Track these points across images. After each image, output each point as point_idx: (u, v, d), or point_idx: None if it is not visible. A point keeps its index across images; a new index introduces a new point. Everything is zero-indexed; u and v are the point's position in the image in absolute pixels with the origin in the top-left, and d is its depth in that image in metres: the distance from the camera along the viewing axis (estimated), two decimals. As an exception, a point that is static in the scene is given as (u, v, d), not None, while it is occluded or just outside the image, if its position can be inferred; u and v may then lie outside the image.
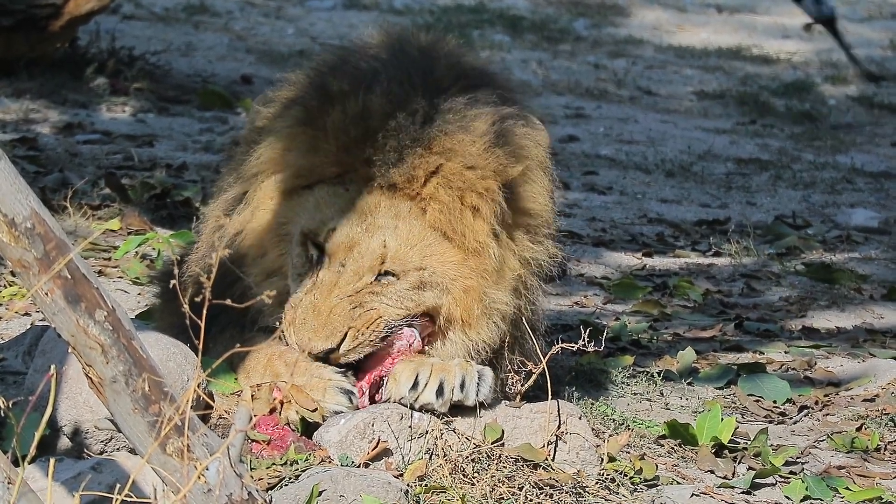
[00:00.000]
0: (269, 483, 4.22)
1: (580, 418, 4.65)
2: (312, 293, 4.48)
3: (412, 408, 4.47)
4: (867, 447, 5.18)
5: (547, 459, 4.52)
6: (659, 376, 5.65)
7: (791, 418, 5.48)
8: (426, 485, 4.33)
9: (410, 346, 4.55)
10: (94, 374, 3.42)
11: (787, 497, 4.76)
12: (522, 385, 4.65)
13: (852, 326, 6.73)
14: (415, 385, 4.46)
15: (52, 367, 4.00)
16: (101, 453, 4.23)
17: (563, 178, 8.09)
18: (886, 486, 4.88)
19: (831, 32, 13.63)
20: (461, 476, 4.38)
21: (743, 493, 4.76)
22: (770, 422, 5.43)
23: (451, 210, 4.50)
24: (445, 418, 4.50)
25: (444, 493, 4.31)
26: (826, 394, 5.71)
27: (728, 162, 10.39)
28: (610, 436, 4.86)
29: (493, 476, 4.38)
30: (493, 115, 4.59)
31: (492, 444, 4.49)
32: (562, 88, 12.73)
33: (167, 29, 13.31)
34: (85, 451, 4.24)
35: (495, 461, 4.43)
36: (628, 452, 4.83)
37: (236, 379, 4.58)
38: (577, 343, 4.64)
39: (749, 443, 5.04)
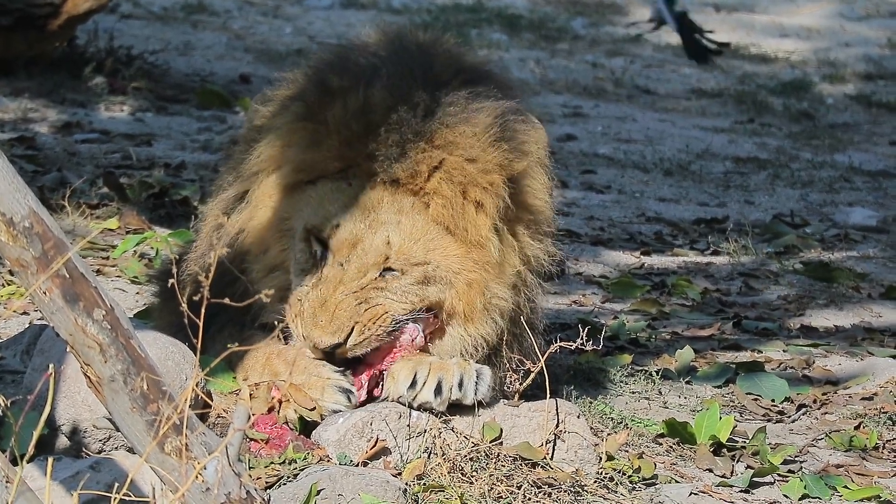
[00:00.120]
0: (267, 482, 4.22)
1: (578, 417, 4.65)
2: (318, 288, 4.48)
3: (410, 406, 4.47)
4: (865, 446, 5.18)
5: (545, 458, 4.52)
6: (657, 375, 5.65)
7: (789, 417, 5.48)
8: (424, 483, 4.33)
9: (413, 340, 4.56)
10: (92, 373, 3.42)
11: (785, 496, 4.76)
12: (521, 384, 4.66)
13: (850, 325, 6.73)
14: (413, 384, 4.46)
15: (51, 365, 4.00)
16: (100, 452, 4.23)
17: (561, 177, 8.09)
18: (885, 485, 4.88)
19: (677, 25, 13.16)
20: (459, 475, 4.39)
21: (741, 491, 4.76)
22: (768, 420, 5.43)
23: (454, 204, 4.50)
24: (444, 417, 4.50)
25: (443, 491, 4.31)
26: (824, 392, 5.71)
27: (726, 161, 10.39)
28: (608, 434, 4.85)
29: (491, 475, 4.38)
30: (495, 109, 4.59)
31: (490, 442, 4.48)
32: (560, 87, 12.73)
33: (165, 28, 13.31)
34: (83, 449, 4.24)
35: (494, 460, 4.43)
36: (627, 451, 4.83)
37: (235, 378, 4.58)
38: (575, 342, 4.64)
39: (747, 441, 5.04)
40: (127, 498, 3.51)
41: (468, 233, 4.52)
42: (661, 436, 5.05)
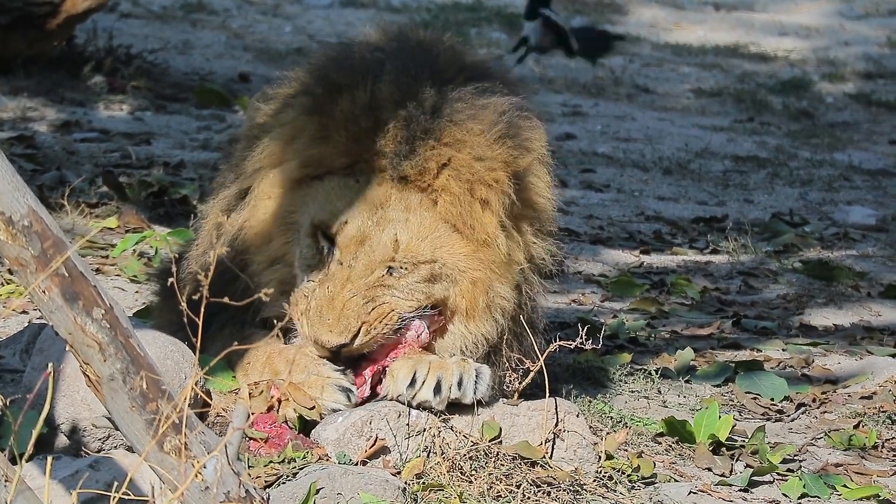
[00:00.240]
0: (266, 481, 4.22)
1: (578, 416, 4.65)
2: (326, 286, 4.47)
3: (410, 405, 4.47)
4: (864, 445, 5.18)
5: (544, 457, 4.52)
6: (656, 374, 5.65)
7: (789, 416, 5.48)
8: (424, 482, 4.33)
9: (419, 336, 4.56)
10: (91, 372, 3.42)
11: (784, 495, 4.76)
12: (520, 383, 4.65)
13: (850, 324, 6.73)
14: (412, 383, 4.45)
15: (50, 364, 4.00)
16: (99, 451, 4.22)
17: (560, 176, 8.08)
18: (884, 484, 4.88)
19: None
20: (459, 474, 4.38)
21: (740, 490, 4.75)
22: (768, 419, 5.43)
23: (462, 202, 4.49)
24: (443, 416, 4.49)
25: (442, 490, 4.31)
26: (824, 391, 5.71)
27: (725, 159, 10.39)
28: (607, 433, 4.85)
29: (490, 474, 4.38)
30: (501, 105, 4.58)
31: (489, 441, 4.48)
32: (559, 86, 12.73)
33: (164, 27, 13.31)
34: (82, 448, 4.24)
35: (493, 459, 4.43)
36: (626, 450, 4.83)
37: (234, 377, 4.58)
38: (574, 341, 4.64)
39: (747, 440, 5.04)
40: (126, 497, 3.51)
41: (475, 230, 4.51)
42: (661, 435, 5.05)
